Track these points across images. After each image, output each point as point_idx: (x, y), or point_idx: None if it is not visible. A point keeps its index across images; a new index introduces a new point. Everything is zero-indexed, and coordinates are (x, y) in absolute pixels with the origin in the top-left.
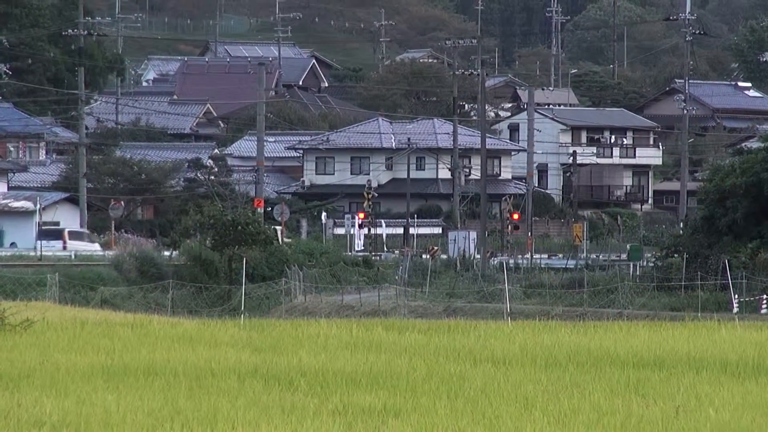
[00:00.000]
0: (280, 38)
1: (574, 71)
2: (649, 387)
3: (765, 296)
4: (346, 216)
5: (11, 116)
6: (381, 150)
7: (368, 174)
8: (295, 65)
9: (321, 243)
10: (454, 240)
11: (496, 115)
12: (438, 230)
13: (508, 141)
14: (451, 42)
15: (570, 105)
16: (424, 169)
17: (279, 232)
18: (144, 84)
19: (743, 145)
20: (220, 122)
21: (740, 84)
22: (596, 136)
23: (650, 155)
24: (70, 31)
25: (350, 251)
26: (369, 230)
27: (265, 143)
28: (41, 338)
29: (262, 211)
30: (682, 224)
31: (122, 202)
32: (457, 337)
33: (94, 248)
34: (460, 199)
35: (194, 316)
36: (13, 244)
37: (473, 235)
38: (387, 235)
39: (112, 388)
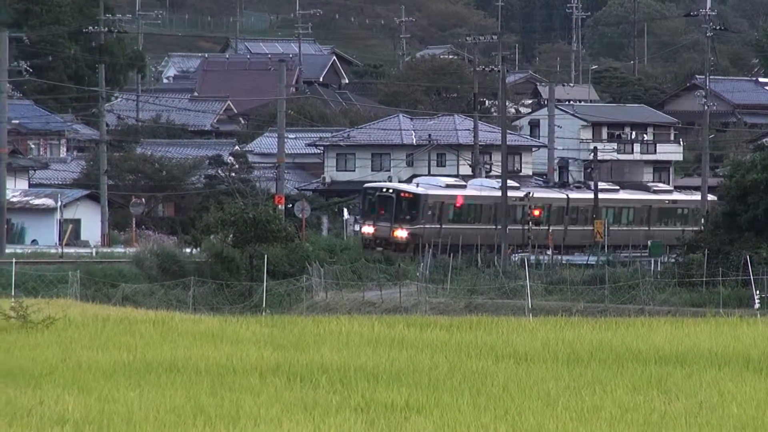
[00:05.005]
0: (301, 35)
1: (594, 67)
2: (671, 383)
3: None
4: None
5: (32, 113)
6: (401, 146)
7: (389, 170)
8: (315, 62)
9: (342, 239)
10: None
11: (517, 111)
12: None
13: (528, 137)
14: (472, 38)
15: (590, 101)
16: (444, 166)
17: None
18: (164, 81)
19: (764, 140)
20: (240, 119)
21: (761, 80)
22: (617, 132)
23: (671, 151)
24: (90, 28)
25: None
26: None
27: (285, 140)
28: (63, 335)
29: (283, 207)
30: (703, 220)
31: (143, 199)
32: (479, 334)
33: None
34: None
35: (216, 313)
36: (34, 242)
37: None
38: None
39: (134, 385)
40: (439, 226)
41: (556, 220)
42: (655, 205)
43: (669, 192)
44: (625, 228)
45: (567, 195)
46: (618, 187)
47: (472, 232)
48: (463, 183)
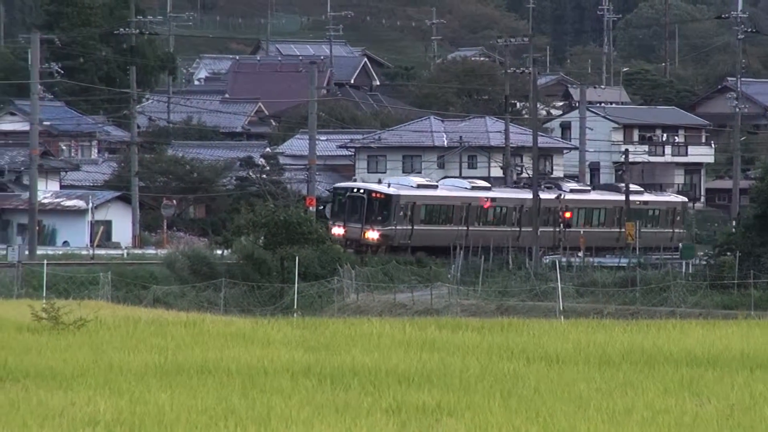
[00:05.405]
0: (332, 37)
1: (625, 69)
2: (702, 385)
3: None
4: None
5: (63, 115)
6: (433, 148)
7: (420, 172)
8: (346, 64)
9: None
10: None
11: (548, 113)
12: None
13: (559, 139)
14: (503, 40)
15: (622, 103)
16: (476, 168)
17: None
18: (196, 83)
19: None
20: (271, 121)
21: None
22: (648, 135)
23: (702, 153)
24: (121, 29)
25: None
26: None
27: (316, 142)
28: (94, 337)
29: (314, 209)
30: (734, 222)
31: (174, 201)
32: (510, 336)
33: None
34: None
35: (247, 314)
36: (65, 243)
37: None
38: None
39: (165, 387)
40: (410, 227)
41: (527, 221)
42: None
43: (640, 193)
44: (596, 229)
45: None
46: (589, 188)
47: (444, 233)
48: (435, 183)
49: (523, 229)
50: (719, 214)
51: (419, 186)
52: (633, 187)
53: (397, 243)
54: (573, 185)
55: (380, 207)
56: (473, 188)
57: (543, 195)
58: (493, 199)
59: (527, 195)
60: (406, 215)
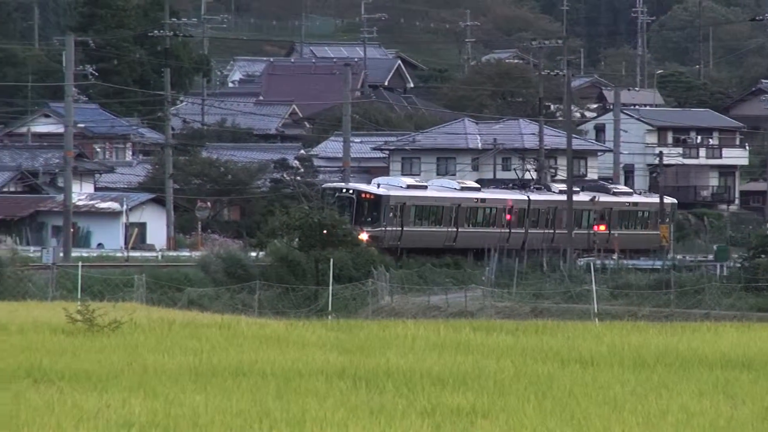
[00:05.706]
0: (366, 39)
1: (659, 72)
2: (737, 388)
3: None
4: None
5: (98, 117)
6: (467, 151)
7: (454, 175)
8: (380, 66)
9: None
10: None
11: (582, 115)
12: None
13: (594, 141)
14: (537, 42)
15: (656, 105)
16: (510, 170)
17: None
18: (230, 85)
19: None
20: (305, 123)
21: None
22: (682, 137)
23: (736, 156)
24: (155, 32)
25: None
26: None
27: (351, 144)
28: (129, 339)
29: None
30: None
31: (209, 203)
32: (544, 338)
33: None
34: None
35: (281, 316)
36: (100, 245)
37: None
38: None
39: (200, 389)
40: (400, 228)
41: (517, 222)
42: (616, 207)
43: (629, 194)
44: (585, 231)
45: (528, 197)
46: (579, 189)
47: (434, 234)
48: (425, 184)
49: (513, 231)
50: (753, 216)
51: (409, 186)
52: (622, 188)
53: (387, 244)
54: (562, 186)
55: (370, 208)
56: (462, 189)
57: (533, 196)
58: (482, 200)
59: (517, 196)
60: (396, 216)
